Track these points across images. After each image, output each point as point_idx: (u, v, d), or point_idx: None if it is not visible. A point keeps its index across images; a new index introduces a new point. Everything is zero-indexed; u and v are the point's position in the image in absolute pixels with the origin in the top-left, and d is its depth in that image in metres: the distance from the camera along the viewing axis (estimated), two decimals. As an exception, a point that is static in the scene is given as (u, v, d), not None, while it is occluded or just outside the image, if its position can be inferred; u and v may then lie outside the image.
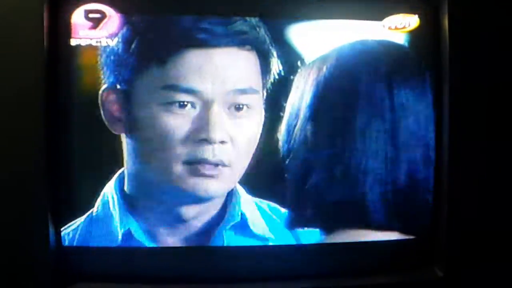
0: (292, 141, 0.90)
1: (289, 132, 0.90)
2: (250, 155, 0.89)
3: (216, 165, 0.87)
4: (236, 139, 0.88)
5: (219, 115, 0.86)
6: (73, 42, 0.87)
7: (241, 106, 0.87)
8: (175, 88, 0.86)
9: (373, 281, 0.93)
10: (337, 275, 0.94)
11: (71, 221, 0.89)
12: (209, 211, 0.91)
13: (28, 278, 0.86)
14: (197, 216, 0.90)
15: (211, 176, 0.87)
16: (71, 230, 0.89)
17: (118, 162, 0.89)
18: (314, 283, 0.93)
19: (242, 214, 0.91)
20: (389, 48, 0.92)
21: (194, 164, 0.86)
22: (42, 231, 0.86)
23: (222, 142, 0.87)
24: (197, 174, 0.87)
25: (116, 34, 0.87)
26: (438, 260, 0.95)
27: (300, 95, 0.90)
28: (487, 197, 0.93)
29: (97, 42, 0.87)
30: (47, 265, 0.87)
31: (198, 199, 0.89)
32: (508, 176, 0.92)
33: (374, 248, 0.93)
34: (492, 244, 0.93)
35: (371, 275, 0.94)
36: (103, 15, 0.87)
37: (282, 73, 0.89)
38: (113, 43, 0.87)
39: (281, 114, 0.90)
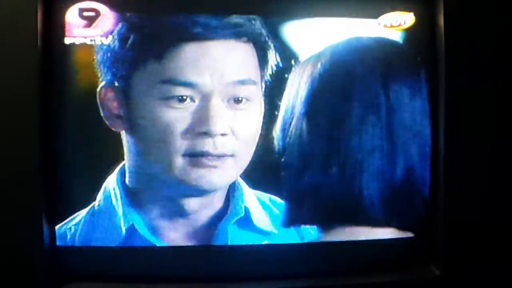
0: (287, 138, 0.90)
1: (285, 128, 0.90)
2: (253, 147, 0.89)
3: (219, 157, 0.87)
4: (237, 131, 0.87)
5: (218, 107, 0.86)
6: (67, 40, 0.87)
7: (240, 98, 0.87)
8: (174, 82, 0.86)
9: (370, 279, 0.93)
10: (334, 274, 0.93)
11: (68, 217, 0.88)
12: (212, 204, 0.91)
13: (23, 277, 0.86)
14: (200, 209, 0.90)
15: (213, 167, 0.87)
16: (73, 225, 0.89)
17: (117, 157, 0.88)
18: (310, 282, 0.93)
19: (246, 209, 0.91)
20: (385, 45, 0.92)
21: (196, 157, 0.86)
22: (37, 230, 0.85)
23: (223, 134, 0.87)
24: (200, 165, 0.87)
25: (110, 32, 0.86)
26: (435, 258, 0.95)
27: (296, 91, 0.90)
28: (484, 195, 0.93)
29: (91, 40, 0.86)
30: (42, 264, 0.86)
31: (201, 191, 0.88)
32: (505, 172, 0.92)
33: (371, 247, 0.93)
34: (489, 242, 0.93)
35: (368, 273, 0.94)
36: (97, 14, 0.86)
37: (280, 65, 0.89)
38: (108, 40, 0.86)
39: (278, 108, 0.90)
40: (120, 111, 0.87)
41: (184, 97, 0.86)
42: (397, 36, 0.92)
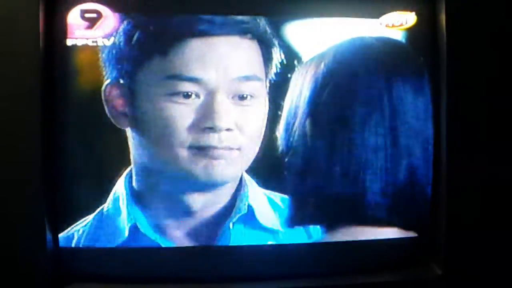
0: (291, 137, 0.90)
1: (288, 128, 0.90)
2: (259, 143, 0.90)
3: (225, 149, 0.87)
4: (242, 126, 0.88)
5: (223, 103, 0.87)
6: (69, 42, 0.86)
7: (245, 95, 0.88)
8: (179, 78, 0.86)
9: (373, 279, 0.94)
10: (336, 273, 0.94)
11: (76, 220, 0.89)
12: (217, 202, 0.91)
13: (25, 278, 0.86)
14: (205, 207, 0.90)
15: (220, 158, 0.87)
16: (81, 227, 0.89)
17: (125, 159, 0.89)
18: (313, 281, 0.93)
19: (249, 206, 0.91)
20: (387, 45, 0.92)
21: (202, 150, 0.87)
22: (40, 232, 0.85)
23: (228, 129, 0.87)
24: (206, 156, 0.87)
25: (112, 34, 0.86)
26: (437, 258, 0.95)
27: (299, 91, 0.90)
28: (486, 194, 0.93)
29: (93, 42, 0.86)
30: (45, 265, 0.86)
31: (207, 185, 0.89)
32: (507, 172, 0.92)
33: (374, 246, 0.93)
34: (491, 242, 0.93)
35: (371, 273, 0.94)
36: (99, 15, 0.86)
37: (284, 63, 0.89)
38: (110, 42, 0.86)
39: (282, 107, 0.90)
40: (126, 108, 0.87)
41: (190, 93, 0.86)
42: (399, 35, 0.92)
